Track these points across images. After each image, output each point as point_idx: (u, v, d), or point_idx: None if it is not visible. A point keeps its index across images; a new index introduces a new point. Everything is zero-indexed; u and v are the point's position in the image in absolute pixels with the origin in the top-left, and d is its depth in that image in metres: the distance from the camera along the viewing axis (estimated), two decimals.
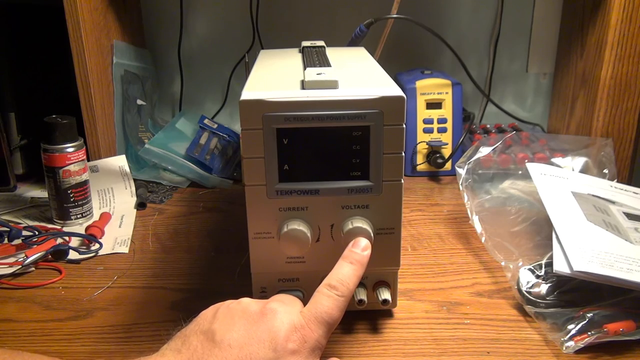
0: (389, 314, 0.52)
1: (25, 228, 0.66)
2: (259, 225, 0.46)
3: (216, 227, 0.71)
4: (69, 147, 0.68)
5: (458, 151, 0.85)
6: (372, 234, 0.45)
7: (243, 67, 0.97)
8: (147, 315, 0.52)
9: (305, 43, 0.66)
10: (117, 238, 0.67)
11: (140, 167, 0.86)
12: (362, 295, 0.48)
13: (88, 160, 0.74)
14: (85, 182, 0.71)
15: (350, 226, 0.45)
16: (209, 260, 0.63)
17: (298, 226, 0.45)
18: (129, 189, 0.79)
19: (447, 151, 0.87)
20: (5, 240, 0.63)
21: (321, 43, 0.66)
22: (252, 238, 0.47)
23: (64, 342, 0.48)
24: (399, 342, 0.48)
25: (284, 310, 0.40)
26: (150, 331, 0.50)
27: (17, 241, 0.63)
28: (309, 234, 0.45)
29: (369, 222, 0.46)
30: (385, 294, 0.49)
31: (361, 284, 0.49)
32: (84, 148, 0.70)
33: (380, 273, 0.49)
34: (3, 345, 0.48)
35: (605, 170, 0.74)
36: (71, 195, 0.69)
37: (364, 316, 0.51)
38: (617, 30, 0.79)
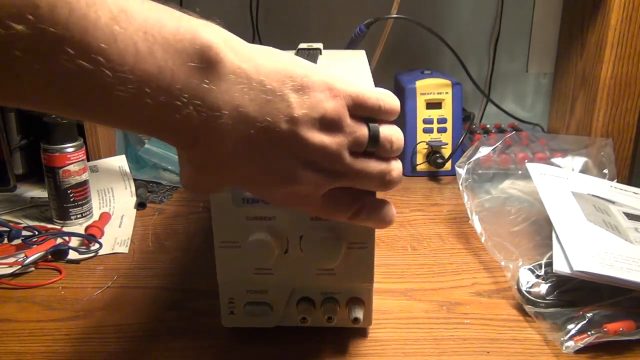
0: (388, 314, 0.52)
1: (25, 228, 0.66)
2: (225, 235, 0.45)
3: None
4: (69, 147, 0.68)
5: (458, 151, 0.85)
6: (342, 248, 0.43)
7: None
8: (147, 315, 0.52)
9: (302, 45, 0.66)
10: (117, 238, 0.67)
11: (140, 167, 0.86)
12: (332, 312, 0.46)
13: (88, 160, 0.74)
14: (85, 182, 0.71)
15: (318, 238, 0.43)
16: (209, 260, 0.62)
17: (264, 237, 0.43)
18: (129, 189, 0.79)
19: (447, 151, 0.87)
20: (5, 240, 0.63)
21: (318, 45, 0.66)
22: (219, 247, 0.45)
23: (64, 342, 0.48)
24: (399, 342, 0.48)
25: None
26: (150, 331, 0.50)
27: (17, 241, 0.63)
28: (274, 245, 0.43)
29: (338, 235, 0.43)
30: (357, 313, 0.46)
31: (333, 299, 0.46)
32: (84, 148, 0.70)
33: (353, 289, 0.46)
34: (3, 346, 0.48)
35: (605, 170, 0.74)
36: (71, 195, 0.69)
37: None
38: (617, 30, 0.79)
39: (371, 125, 0.37)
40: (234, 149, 0.33)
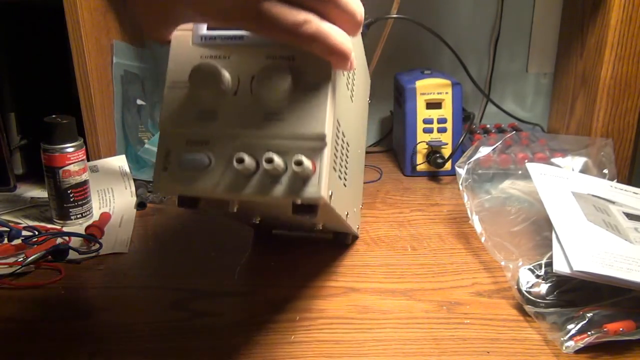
0: (388, 314, 0.52)
1: (25, 228, 0.66)
2: (178, 74, 0.42)
3: (216, 227, 0.71)
4: (69, 147, 0.68)
5: (458, 151, 0.85)
6: (290, 83, 0.40)
7: None
8: (147, 315, 0.52)
9: None
10: (117, 238, 0.67)
11: (140, 167, 0.86)
12: (277, 168, 0.39)
13: (88, 160, 0.74)
14: (85, 182, 0.71)
15: (270, 75, 0.40)
16: (209, 260, 0.63)
17: (214, 64, 0.41)
18: (129, 189, 0.79)
19: (447, 151, 0.87)
20: (5, 240, 0.63)
21: None
22: (168, 87, 0.42)
23: (64, 342, 0.48)
24: (398, 342, 0.48)
25: None
26: (150, 331, 0.50)
27: (17, 241, 0.63)
28: (224, 74, 0.41)
29: (292, 72, 0.40)
30: (301, 157, 0.39)
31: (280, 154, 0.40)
32: (84, 148, 0.70)
33: (303, 148, 0.40)
34: (3, 346, 0.48)
35: (605, 170, 0.74)
36: (71, 195, 0.69)
37: (363, 315, 0.51)
38: (617, 31, 0.79)
39: None
40: None
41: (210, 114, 0.42)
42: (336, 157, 0.46)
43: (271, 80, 0.40)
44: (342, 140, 0.49)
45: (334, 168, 0.45)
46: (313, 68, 0.41)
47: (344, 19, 0.36)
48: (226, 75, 0.41)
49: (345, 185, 0.52)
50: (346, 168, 0.52)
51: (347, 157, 0.52)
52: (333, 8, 0.35)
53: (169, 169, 0.42)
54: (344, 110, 0.49)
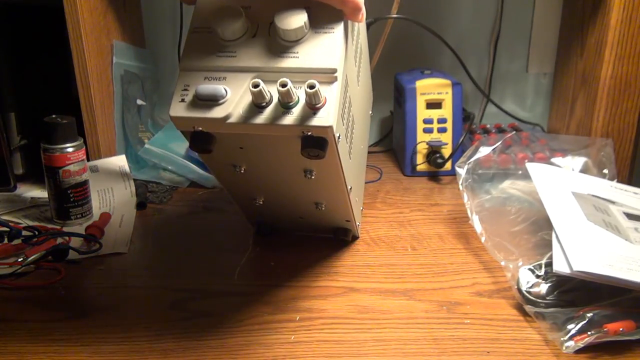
0: (388, 314, 0.52)
1: (25, 228, 0.66)
2: (201, 20, 0.45)
3: (216, 227, 0.71)
4: (69, 147, 0.68)
5: (458, 151, 0.85)
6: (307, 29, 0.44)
7: None
8: (147, 315, 0.52)
9: None
10: (117, 238, 0.67)
11: (140, 167, 0.86)
12: (290, 96, 0.42)
13: (88, 160, 0.74)
14: (85, 182, 0.71)
15: (287, 17, 0.43)
16: (209, 260, 0.63)
17: (235, 5, 0.44)
18: (129, 189, 0.79)
19: (447, 151, 0.87)
20: (5, 240, 0.63)
21: None
22: (191, 32, 0.46)
23: (64, 342, 0.48)
24: (398, 342, 0.48)
25: None
26: (150, 331, 0.50)
27: (17, 241, 0.63)
28: (245, 16, 0.44)
29: (308, 15, 0.44)
30: (314, 86, 0.42)
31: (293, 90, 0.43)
32: (84, 148, 0.70)
33: (316, 77, 0.43)
34: (3, 346, 0.48)
35: (605, 170, 0.74)
36: (71, 195, 0.69)
37: (363, 315, 0.51)
38: (617, 31, 0.79)
39: None
40: None
41: (229, 53, 0.44)
42: (343, 119, 0.48)
43: (289, 17, 0.43)
44: (349, 103, 0.50)
45: (342, 117, 0.47)
46: (327, 15, 0.44)
47: None
48: (246, 18, 0.44)
49: (350, 157, 0.53)
50: (352, 138, 0.53)
51: (353, 129, 0.54)
52: None
53: (185, 100, 0.44)
54: (351, 78, 0.51)
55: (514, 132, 0.89)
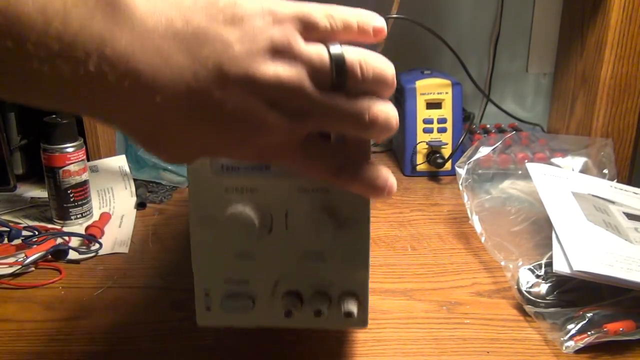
0: (388, 314, 0.52)
1: (25, 228, 0.66)
2: (202, 209, 0.39)
3: None
4: (69, 147, 0.68)
5: (458, 151, 0.85)
6: (331, 224, 0.38)
7: None
8: (147, 315, 0.52)
9: None
10: (117, 238, 0.67)
11: (140, 167, 0.86)
12: (321, 305, 0.40)
13: (88, 160, 0.74)
14: (85, 182, 0.71)
15: (306, 212, 0.38)
16: None
17: (243, 209, 0.37)
18: (129, 189, 0.79)
19: (447, 151, 0.87)
20: (5, 240, 0.63)
21: None
22: (195, 224, 0.40)
23: (64, 342, 0.48)
24: (398, 342, 0.48)
25: None
26: (150, 331, 0.50)
27: (17, 241, 0.63)
28: (255, 219, 0.37)
29: (328, 209, 0.38)
30: (350, 306, 0.39)
31: (324, 293, 0.40)
32: (84, 148, 0.70)
33: (347, 280, 0.40)
34: (3, 346, 0.48)
35: (605, 170, 0.74)
36: (71, 195, 0.69)
37: None
38: (617, 30, 0.79)
39: (331, 46, 0.31)
40: (175, 116, 0.28)
41: (246, 254, 0.40)
42: None
43: (310, 225, 0.38)
44: None
45: None
46: (349, 202, 0.39)
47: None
48: (259, 218, 0.38)
49: None
50: None
51: None
52: (356, 127, 0.32)
53: (212, 309, 0.42)
54: None
55: (514, 132, 0.89)
